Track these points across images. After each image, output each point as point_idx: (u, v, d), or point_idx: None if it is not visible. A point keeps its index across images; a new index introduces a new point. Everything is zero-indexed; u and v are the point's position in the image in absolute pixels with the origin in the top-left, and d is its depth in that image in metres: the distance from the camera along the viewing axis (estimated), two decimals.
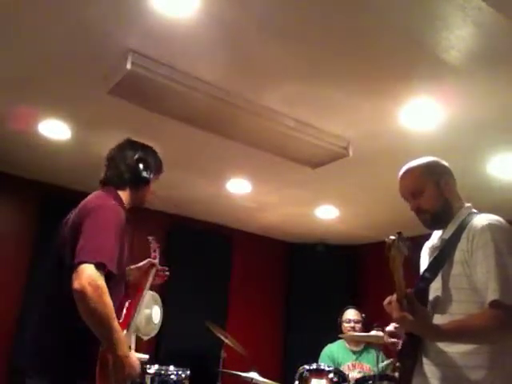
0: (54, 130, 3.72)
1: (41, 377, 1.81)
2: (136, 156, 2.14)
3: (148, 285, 2.30)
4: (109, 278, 1.79)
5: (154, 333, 2.67)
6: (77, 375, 1.80)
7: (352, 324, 4.07)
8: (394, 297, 1.67)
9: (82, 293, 1.70)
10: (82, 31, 2.62)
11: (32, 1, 2.41)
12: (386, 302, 1.71)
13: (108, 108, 3.34)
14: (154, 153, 2.23)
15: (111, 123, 3.59)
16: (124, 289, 2.13)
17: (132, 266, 2.35)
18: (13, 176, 4.60)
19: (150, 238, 2.53)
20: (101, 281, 1.73)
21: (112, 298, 1.78)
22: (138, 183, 2.13)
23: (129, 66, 2.73)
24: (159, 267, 2.42)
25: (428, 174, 1.88)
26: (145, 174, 2.12)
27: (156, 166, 2.21)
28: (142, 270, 2.38)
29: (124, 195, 2.10)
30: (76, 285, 1.71)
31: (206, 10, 2.40)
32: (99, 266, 1.75)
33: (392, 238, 1.61)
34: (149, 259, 2.42)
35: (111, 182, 2.11)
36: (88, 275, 1.72)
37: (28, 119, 3.60)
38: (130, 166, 2.11)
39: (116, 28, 2.59)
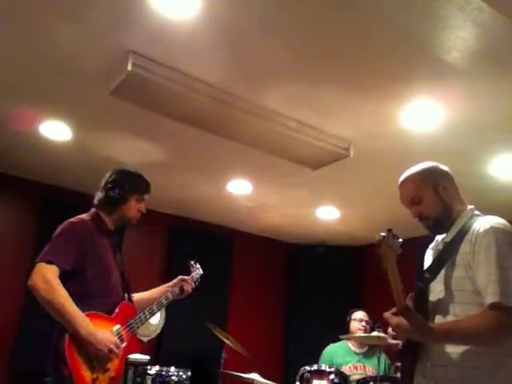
0: (55, 131, 3.72)
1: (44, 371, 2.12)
2: (109, 179, 2.38)
3: (170, 295, 2.51)
4: (78, 274, 2.12)
5: (154, 334, 2.69)
6: (56, 362, 2.04)
7: (364, 323, 4.08)
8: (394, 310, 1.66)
9: (33, 287, 2.02)
10: (84, 32, 2.62)
11: (33, 2, 2.42)
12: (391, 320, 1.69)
13: (109, 109, 3.34)
14: (133, 176, 2.43)
15: (112, 124, 3.60)
16: (125, 292, 2.35)
17: (166, 284, 2.62)
18: (14, 177, 4.59)
19: (193, 261, 2.84)
20: (50, 274, 2.03)
21: (90, 292, 2.12)
22: (108, 203, 2.35)
23: (130, 68, 2.74)
24: (189, 281, 2.66)
25: (425, 181, 1.87)
26: (112, 194, 2.33)
27: (135, 187, 2.40)
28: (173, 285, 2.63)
29: (104, 215, 2.35)
30: (29, 281, 2.03)
31: (207, 11, 2.40)
32: (49, 263, 2.05)
33: (382, 234, 1.57)
34: (180, 276, 2.65)
35: (94, 205, 2.38)
36: (39, 272, 2.04)
37: (29, 120, 3.60)
38: (103, 189, 2.37)
39: (117, 29, 2.59)
